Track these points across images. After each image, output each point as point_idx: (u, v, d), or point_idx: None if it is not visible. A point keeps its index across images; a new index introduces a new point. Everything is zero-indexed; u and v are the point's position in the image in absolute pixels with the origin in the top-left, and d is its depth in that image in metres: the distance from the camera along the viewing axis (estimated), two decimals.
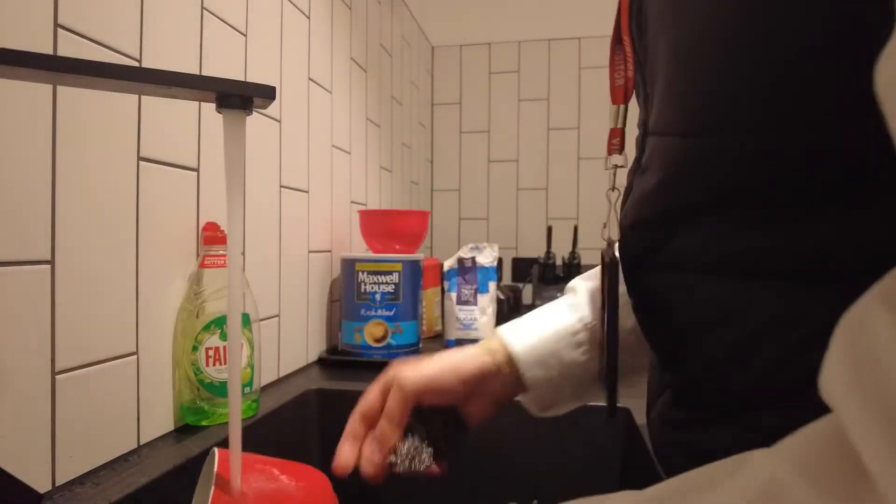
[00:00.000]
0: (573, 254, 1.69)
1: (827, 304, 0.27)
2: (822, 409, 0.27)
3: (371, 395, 0.50)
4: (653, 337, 0.40)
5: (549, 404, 0.53)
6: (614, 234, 0.44)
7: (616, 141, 0.45)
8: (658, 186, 0.35)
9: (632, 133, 0.43)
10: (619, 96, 0.44)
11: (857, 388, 0.17)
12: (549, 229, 1.72)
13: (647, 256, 0.37)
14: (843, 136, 0.26)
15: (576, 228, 1.72)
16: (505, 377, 0.50)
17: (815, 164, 0.27)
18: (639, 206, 0.38)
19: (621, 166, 0.44)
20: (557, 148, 1.97)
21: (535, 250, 1.89)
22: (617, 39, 0.44)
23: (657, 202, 0.36)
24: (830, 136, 0.27)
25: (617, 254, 0.44)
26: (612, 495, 0.29)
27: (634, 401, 0.46)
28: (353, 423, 0.49)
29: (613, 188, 0.45)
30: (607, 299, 0.45)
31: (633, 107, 0.43)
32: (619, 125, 0.45)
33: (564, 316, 0.53)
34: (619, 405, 0.51)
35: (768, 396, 0.30)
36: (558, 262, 1.71)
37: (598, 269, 0.57)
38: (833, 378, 0.19)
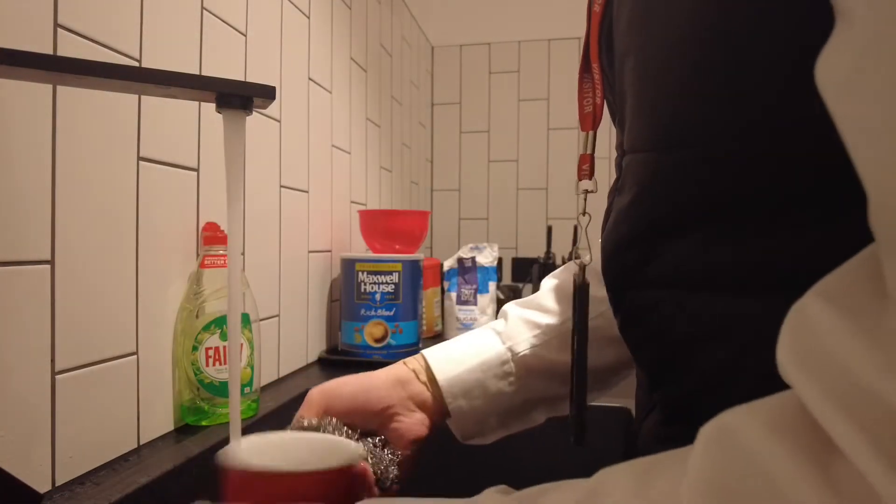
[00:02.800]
0: (573, 254, 1.69)
1: None
2: None
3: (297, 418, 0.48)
4: (642, 356, 0.40)
5: (473, 434, 0.53)
6: (586, 258, 0.45)
7: (586, 167, 0.45)
8: (632, 203, 0.36)
9: (608, 156, 0.44)
10: (588, 123, 0.44)
11: (807, 369, 0.19)
12: (549, 229, 1.72)
13: (631, 275, 0.37)
14: (819, 145, 0.26)
15: (576, 228, 1.72)
16: (427, 395, 0.50)
17: (790, 173, 0.27)
18: (617, 225, 0.38)
19: (591, 191, 0.45)
20: (557, 148, 1.98)
21: (535, 250, 1.89)
22: (585, 67, 0.44)
23: (633, 219, 0.36)
24: (802, 144, 0.27)
25: (587, 278, 0.44)
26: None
27: (633, 401, 0.45)
28: None
29: (584, 213, 0.45)
30: (577, 323, 0.45)
31: (605, 133, 0.44)
32: (588, 151, 0.45)
33: (493, 345, 0.53)
34: (618, 406, 0.51)
35: None
36: (558, 262, 1.71)
37: (535, 295, 0.58)
38: (787, 361, 0.21)
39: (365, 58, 1.33)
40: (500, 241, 1.94)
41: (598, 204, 0.41)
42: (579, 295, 0.44)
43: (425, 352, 0.53)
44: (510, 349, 0.52)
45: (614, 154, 0.42)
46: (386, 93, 1.51)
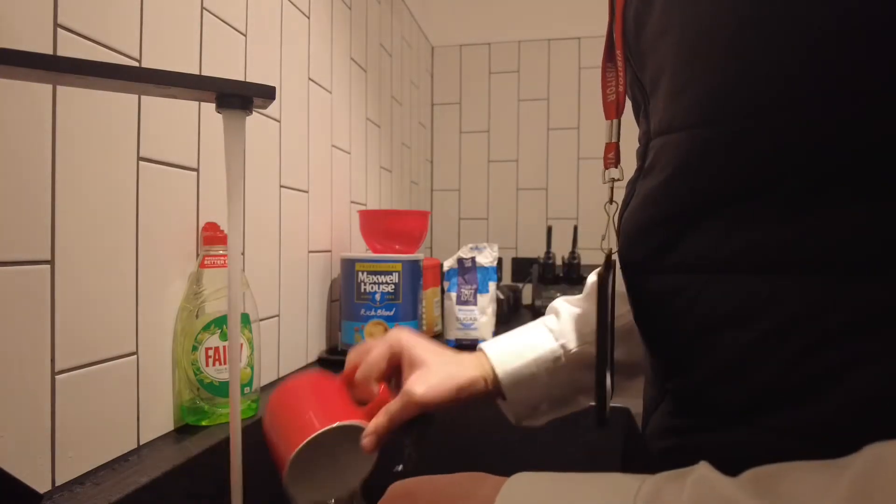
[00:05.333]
0: (573, 254, 1.69)
1: (847, 299, 0.27)
2: (837, 408, 0.27)
3: (374, 357, 0.53)
4: (658, 344, 0.39)
5: (524, 418, 0.58)
6: (614, 246, 0.44)
7: (611, 155, 0.45)
8: (665, 183, 0.35)
9: (629, 147, 0.43)
10: (612, 111, 0.44)
11: None
12: (549, 229, 1.72)
13: (652, 259, 0.36)
14: (869, 120, 0.26)
15: (575, 228, 1.72)
16: (489, 392, 0.56)
17: (841, 149, 0.27)
18: (643, 208, 0.37)
19: (618, 179, 0.45)
20: (557, 148, 1.98)
21: (535, 250, 1.89)
22: (608, 56, 0.43)
23: (664, 200, 0.35)
24: (856, 118, 0.26)
25: (617, 262, 0.44)
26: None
27: (634, 400, 0.46)
28: (348, 374, 0.55)
29: (611, 201, 0.45)
30: (599, 312, 0.45)
31: (630, 122, 0.44)
32: (614, 139, 0.45)
33: (546, 342, 0.58)
34: (618, 406, 0.51)
35: (781, 397, 0.29)
36: (558, 262, 1.71)
37: (584, 294, 0.61)
38: None
39: (365, 58, 1.33)
40: (500, 241, 1.94)
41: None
42: (602, 284, 0.45)
43: (486, 348, 0.58)
44: (562, 346, 0.57)
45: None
46: (386, 93, 1.51)
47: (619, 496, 0.29)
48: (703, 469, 0.27)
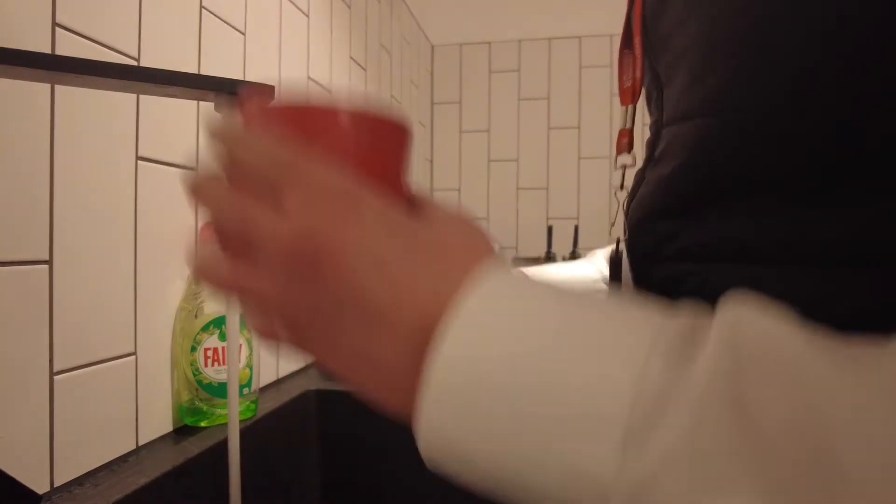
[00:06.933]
0: (574, 253, 1.69)
1: (852, 290, 0.27)
2: None
3: None
4: None
5: None
6: (622, 233, 0.45)
7: (625, 141, 0.45)
8: (676, 172, 0.35)
9: (640, 136, 0.44)
10: (627, 97, 0.44)
11: None
12: (550, 229, 1.72)
13: (658, 247, 0.36)
14: (883, 115, 0.26)
15: (576, 228, 1.72)
16: None
17: (853, 144, 0.27)
18: (652, 195, 0.38)
19: (630, 165, 0.45)
20: (557, 147, 1.97)
21: (536, 250, 1.89)
22: (626, 42, 0.44)
23: (675, 188, 0.35)
24: (870, 113, 0.26)
25: (623, 250, 0.44)
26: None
27: None
28: None
29: (622, 187, 0.45)
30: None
31: (641, 111, 0.44)
32: (628, 125, 0.45)
33: (586, 270, 0.62)
34: None
35: None
36: (559, 261, 1.71)
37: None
38: None
39: (364, 57, 1.33)
40: (501, 241, 1.94)
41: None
42: (612, 268, 0.46)
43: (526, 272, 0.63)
44: (599, 272, 0.61)
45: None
46: (386, 92, 1.51)
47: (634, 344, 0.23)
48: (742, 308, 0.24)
